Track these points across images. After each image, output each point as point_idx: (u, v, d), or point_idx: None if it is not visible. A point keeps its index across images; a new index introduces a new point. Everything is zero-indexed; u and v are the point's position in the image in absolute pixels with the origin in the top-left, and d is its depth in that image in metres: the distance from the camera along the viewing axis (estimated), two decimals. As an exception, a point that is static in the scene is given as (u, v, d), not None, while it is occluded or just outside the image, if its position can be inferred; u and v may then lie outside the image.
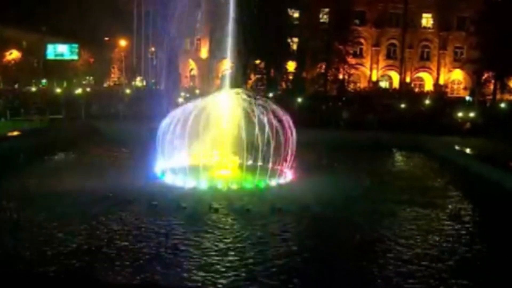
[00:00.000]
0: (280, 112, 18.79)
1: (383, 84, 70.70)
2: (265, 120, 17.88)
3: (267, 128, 17.72)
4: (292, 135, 18.64)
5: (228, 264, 10.53)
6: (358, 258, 11.24)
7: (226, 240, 12.07)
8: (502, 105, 44.13)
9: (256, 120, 17.80)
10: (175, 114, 18.66)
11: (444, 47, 69.37)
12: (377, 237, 12.72)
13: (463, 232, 13.58)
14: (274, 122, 18.13)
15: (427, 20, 70.48)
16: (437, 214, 15.16)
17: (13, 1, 60.65)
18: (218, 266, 10.41)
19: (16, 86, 61.26)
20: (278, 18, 55.23)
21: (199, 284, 9.62)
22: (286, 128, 18.60)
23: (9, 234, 12.06)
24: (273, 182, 18.08)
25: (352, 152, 25.60)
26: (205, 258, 10.84)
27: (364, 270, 10.70)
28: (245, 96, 18.92)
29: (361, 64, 69.01)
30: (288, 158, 19.03)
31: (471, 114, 34.54)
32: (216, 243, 11.80)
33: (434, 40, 69.80)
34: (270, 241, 12.21)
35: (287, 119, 18.79)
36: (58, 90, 50.70)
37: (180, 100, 38.39)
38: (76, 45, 70.14)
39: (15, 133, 27.34)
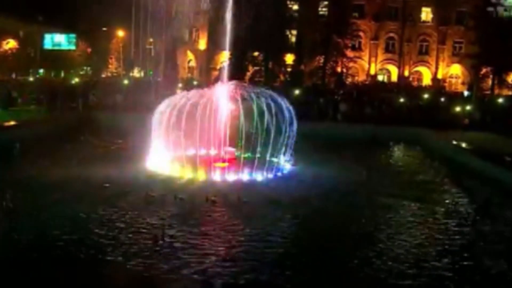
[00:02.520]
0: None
1: (381, 78, 70.64)
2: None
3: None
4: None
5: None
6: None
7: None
8: (500, 100, 44.19)
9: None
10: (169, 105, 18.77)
11: (443, 42, 69.30)
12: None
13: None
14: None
15: (426, 14, 70.35)
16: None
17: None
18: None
19: (13, 75, 61.00)
20: (277, 10, 55.10)
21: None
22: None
23: (8, 222, 12.11)
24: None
25: (348, 145, 25.64)
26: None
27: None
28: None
29: (360, 58, 68.93)
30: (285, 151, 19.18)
31: (469, 109, 34.58)
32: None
33: (433, 35, 69.71)
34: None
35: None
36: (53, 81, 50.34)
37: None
38: (73, 35, 69.76)
39: (12, 123, 27.32)
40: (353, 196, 16.12)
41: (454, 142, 26.49)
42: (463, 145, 25.53)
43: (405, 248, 11.49)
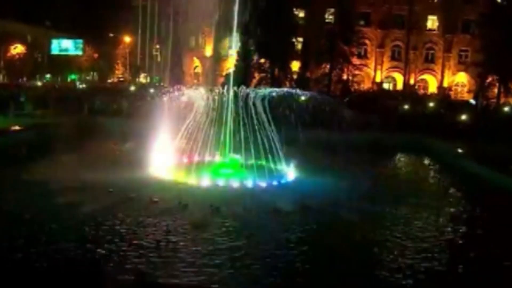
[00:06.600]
0: None
1: (387, 85, 70.62)
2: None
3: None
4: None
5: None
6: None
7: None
8: (506, 108, 44.09)
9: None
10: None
11: (448, 50, 69.25)
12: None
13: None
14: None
15: (432, 22, 70.34)
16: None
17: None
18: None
19: (20, 80, 61.45)
20: (283, 17, 55.24)
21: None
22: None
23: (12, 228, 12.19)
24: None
25: (352, 152, 25.59)
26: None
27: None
28: None
29: (365, 65, 68.96)
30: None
31: (473, 118, 34.55)
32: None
33: (439, 43, 69.68)
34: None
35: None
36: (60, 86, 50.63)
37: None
38: (80, 41, 70.26)
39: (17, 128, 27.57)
40: (356, 205, 16.04)
41: (460, 150, 26.53)
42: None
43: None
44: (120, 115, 35.53)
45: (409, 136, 30.66)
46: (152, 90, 46.85)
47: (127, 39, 72.46)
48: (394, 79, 71.61)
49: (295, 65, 62.35)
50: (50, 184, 15.78)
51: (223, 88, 20.25)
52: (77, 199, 14.43)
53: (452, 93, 67.40)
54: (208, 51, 72.79)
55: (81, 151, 22.64)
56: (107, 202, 14.54)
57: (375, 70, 69.87)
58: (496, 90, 55.02)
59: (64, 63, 68.83)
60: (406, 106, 40.44)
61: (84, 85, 56.08)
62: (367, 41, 68.70)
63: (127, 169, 18.96)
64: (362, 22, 66.20)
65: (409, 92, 61.69)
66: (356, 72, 63.93)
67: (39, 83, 58.46)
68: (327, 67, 60.39)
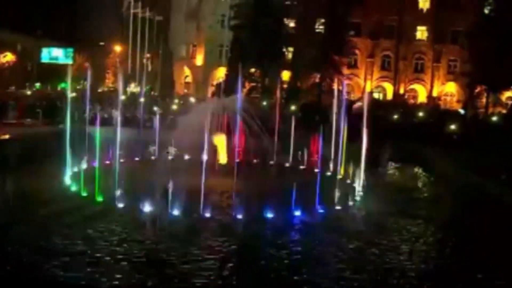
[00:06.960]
0: None
1: (377, 95, 71.04)
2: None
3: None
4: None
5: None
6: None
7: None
8: (494, 118, 44.50)
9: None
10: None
11: (438, 60, 69.90)
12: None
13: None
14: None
15: (421, 32, 71.06)
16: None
17: (8, 4, 60.65)
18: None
19: (10, 89, 61.02)
20: (274, 27, 55.51)
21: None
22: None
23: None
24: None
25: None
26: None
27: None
28: None
29: (355, 75, 69.38)
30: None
31: (463, 127, 34.82)
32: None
33: (428, 53, 70.34)
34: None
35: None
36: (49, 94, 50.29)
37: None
38: (71, 49, 70.05)
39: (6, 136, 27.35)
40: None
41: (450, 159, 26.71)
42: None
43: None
44: (110, 124, 35.32)
45: (399, 145, 30.78)
46: (142, 99, 46.77)
47: (118, 48, 72.39)
48: (384, 89, 72.11)
49: (286, 75, 62.59)
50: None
51: (213, 97, 20.42)
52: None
53: (441, 102, 67.98)
54: (199, 60, 72.98)
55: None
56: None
57: (365, 80, 70.34)
58: (484, 100, 55.62)
59: (54, 71, 68.53)
60: (395, 116, 40.66)
61: (74, 94, 55.72)
62: (357, 51, 69.18)
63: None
64: (352, 32, 66.64)
65: (399, 102, 62.13)
66: (346, 82, 64.27)
67: (29, 92, 58.06)
68: (317, 77, 60.69)
